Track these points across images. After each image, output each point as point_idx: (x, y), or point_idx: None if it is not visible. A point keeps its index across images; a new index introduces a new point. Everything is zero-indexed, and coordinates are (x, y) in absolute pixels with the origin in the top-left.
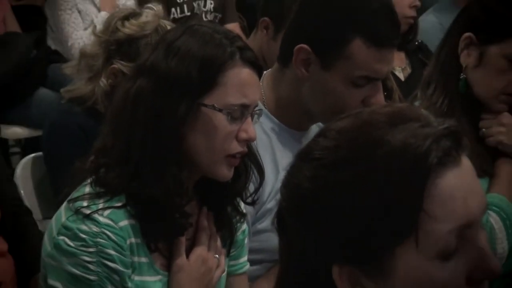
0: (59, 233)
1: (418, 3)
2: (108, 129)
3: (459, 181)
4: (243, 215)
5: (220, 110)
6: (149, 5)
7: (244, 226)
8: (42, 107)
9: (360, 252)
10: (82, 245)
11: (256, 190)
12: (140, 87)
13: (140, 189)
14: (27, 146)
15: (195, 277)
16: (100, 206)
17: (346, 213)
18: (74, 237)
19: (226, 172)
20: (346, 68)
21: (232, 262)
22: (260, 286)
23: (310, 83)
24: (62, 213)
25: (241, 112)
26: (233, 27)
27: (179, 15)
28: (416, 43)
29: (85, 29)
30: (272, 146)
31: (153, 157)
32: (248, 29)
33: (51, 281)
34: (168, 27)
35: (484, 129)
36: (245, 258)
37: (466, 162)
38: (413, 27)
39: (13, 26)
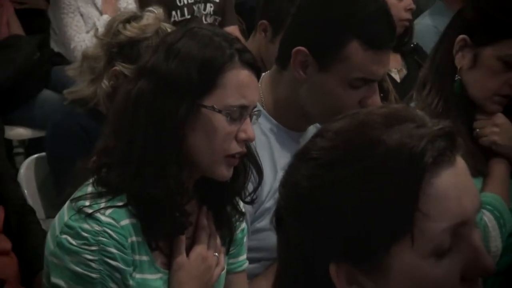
0: (62, 232)
1: (413, 6)
2: (110, 130)
3: (453, 181)
4: (242, 214)
5: (219, 111)
6: (150, 8)
7: (243, 225)
8: (45, 109)
9: (357, 251)
10: (84, 244)
11: (255, 189)
12: (141, 89)
13: (141, 188)
14: (30, 146)
15: (195, 275)
16: (102, 205)
17: (343, 212)
18: (77, 235)
19: (225, 172)
20: (343, 70)
21: (231, 260)
22: (258, 284)
23: (307, 85)
24: (65, 212)
25: (240, 113)
26: (233, 30)
27: (180, 18)
28: (412, 45)
29: (87, 32)
30: (270, 146)
31: (154, 157)
32: (247, 31)
33: (54, 279)
34: (169, 30)
35: (478, 130)
36: (244, 256)
37: (460, 162)
38: (409, 30)
39: (17, 29)
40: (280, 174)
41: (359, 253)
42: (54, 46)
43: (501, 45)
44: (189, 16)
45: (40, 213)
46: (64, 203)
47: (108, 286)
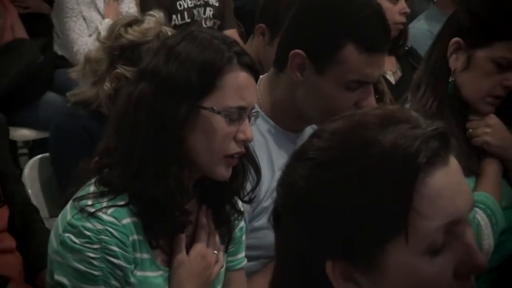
0: (65, 231)
1: (407, 10)
2: (112, 131)
3: (447, 180)
4: (241, 213)
5: (218, 113)
6: (151, 12)
7: (242, 224)
8: (49, 110)
9: (353, 249)
10: (86, 242)
11: (253, 189)
12: (142, 91)
13: (142, 188)
14: (34, 147)
15: (195, 272)
16: (104, 204)
17: (339, 211)
18: (79, 234)
19: (224, 172)
20: (339, 73)
21: (230, 258)
22: (257, 281)
23: (304, 87)
24: (68, 212)
25: (239, 114)
26: (232, 33)
27: (180, 22)
28: (406, 48)
29: (90, 35)
30: (268, 147)
31: (154, 158)
32: (245, 35)
33: (57, 277)
34: (169, 33)
35: (471, 130)
36: (242, 254)
37: (453, 162)
38: (403, 33)
39: (21, 32)
40: (278, 174)
41: (355, 251)
42: (58, 49)
43: (493, 47)
44: (189, 20)
45: (43, 212)
46: (67, 202)
47: (110, 283)
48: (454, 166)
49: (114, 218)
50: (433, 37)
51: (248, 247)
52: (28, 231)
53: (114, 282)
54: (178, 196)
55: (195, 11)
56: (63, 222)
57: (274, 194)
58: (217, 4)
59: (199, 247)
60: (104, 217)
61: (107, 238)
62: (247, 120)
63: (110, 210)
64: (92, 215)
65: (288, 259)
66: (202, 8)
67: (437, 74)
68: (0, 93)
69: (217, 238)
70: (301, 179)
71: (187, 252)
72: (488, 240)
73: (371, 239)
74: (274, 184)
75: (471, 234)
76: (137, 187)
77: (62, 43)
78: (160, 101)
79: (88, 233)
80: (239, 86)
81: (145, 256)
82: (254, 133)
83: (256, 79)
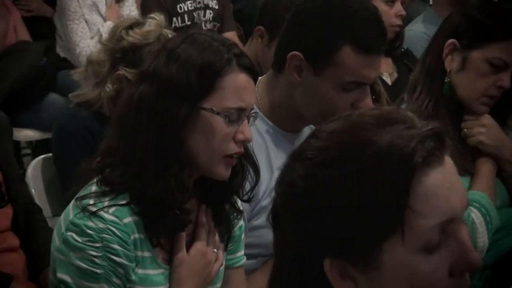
0: (67, 229)
1: (403, 12)
2: (113, 132)
3: (442, 180)
4: (240, 212)
5: (218, 113)
6: (152, 15)
7: (241, 222)
8: (51, 111)
9: (350, 247)
10: (89, 241)
11: (252, 188)
12: (143, 92)
13: (143, 187)
14: (37, 147)
15: (195, 270)
16: (106, 204)
17: (337, 210)
18: (82, 233)
19: (224, 172)
20: (336, 74)
21: (229, 256)
22: (256, 279)
23: (302, 88)
24: (70, 211)
25: (238, 115)
26: (231, 35)
27: (180, 25)
28: (402, 50)
29: (92, 38)
30: (267, 147)
31: (155, 158)
32: (244, 37)
33: (60, 275)
34: (170, 36)
35: (465, 130)
36: (242, 252)
37: (448, 162)
38: (399, 35)
39: (24, 35)
40: (276, 174)
41: (352, 249)
42: (60, 52)
43: (488, 48)
44: (189, 23)
45: (46, 212)
46: (70, 201)
47: (112, 281)
48: (449, 165)
49: (116, 217)
50: (429, 39)
51: (247, 246)
52: (31, 230)
53: (115, 280)
54: (178, 196)
55: (195, 14)
56: (66, 221)
57: (273, 194)
58: (216, 7)
59: (199, 246)
60: (106, 216)
61: (109, 236)
62: (246, 121)
63: (111, 209)
64: (94, 214)
65: (287, 257)
66: (202, 11)
67: (433, 75)
68: (3, 95)
69: (217, 237)
70: (299, 178)
71: (188, 250)
72: (483, 238)
73: (368, 238)
74: (273, 183)
75: (466, 233)
76: (138, 186)
77: (64, 45)
78: (161, 102)
79: (90, 231)
80: (238, 88)
81: (146, 254)
82: (253, 134)
83: (255, 81)
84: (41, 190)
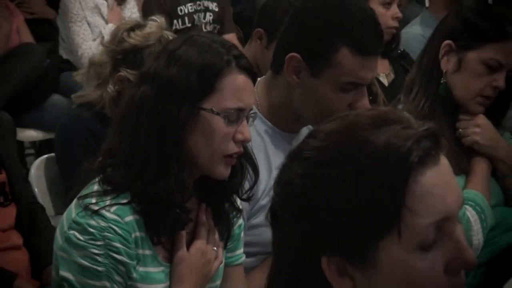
0: (69, 228)
1: (400, 15)
2: (115, 132)
3: (437, 179)
4: (239, 211)
5: (218, 114)
6: (153, 17)
7: (240, 221)
8: (54, 112)
9: (348, 245)
10: (91, 239)
11: (251, 187)
12: (144, 93)
13: (144, 187)
14: (41, 147)
15: (195, 268)
16: (107, 202)
17: (334, 209)
18: (84, 231)
19: (223, 171)
20: (334, 75)
21: (229, 254)
22: (255, 276)
23: (300, 89)
24: (73, 210)
25: (237, 115)
26: (231, 37)
27: (181, 27)
28: (399, 51)
29: (94, 40)
30: (265, 147)
31: (156, 158)
32: (244, 39)
33: (62, 272)
34: (170, 38)
35: (461, 130)
36: (241, 251)
37: (444, 161)
38: (396, 37)
39: (27, 37)
40: (275, 173)
41: (350, 248)
42: (63, 53)
43: (483, 49)
44: (189, 25)
45: (49, 210)
46: (72, 200)
47: (113, 279)
48: (445, 165)
49: (117, 216)
50: (425, 41)
51: (246, 244)
52: (35, 229)
53: (117, 278)
54: (178, 195)
55: (195, 16)
56: (68, 220)
57: (271, 193)
58: (216, 10)
59: (199, 244)
60: (108, 214)
61: (111, 235)
62: (245, 121)
63: (113, 208)
64: (96, 213)
65: (285, 255)
66: (202, 13)
67: (429, 76)
68: (7, 96)
69: (217, 235)
70: (297, 178)
71: (188, 248)
72: (478, 236)
73: (365, 236)
74: (271, 183)
75: (461, 231)
76: (139, 186)
77: (67, 47)
78: (162, 103)
79: (92, 230)
80: (238, 88)
81: (147, 252)
82: (252, 134)
83: (254, 82)
84: (44, 190)
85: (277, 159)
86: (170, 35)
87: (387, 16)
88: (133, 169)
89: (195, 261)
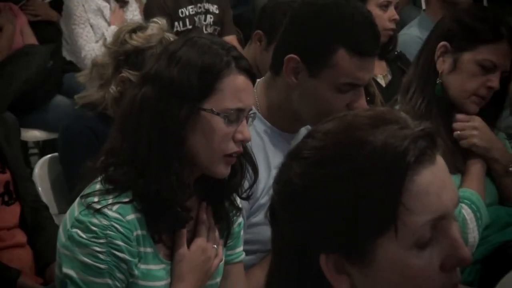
0: (72, 226)
1: (397, 17)
2: (117, 132)
3: (434, 178)
4: (239, 209)
5: (218, 114)
6: (154, 19)
7: (240, 219)
8: (57, 112)
9: (345, 243)
10: (93, 237)
11: (251, 186)
12: (146, 94)
13: (145, 186)
14: (44, 147)
15: (195, 265)
16: (110, 201)
17: (332, 207)
18: (86, 229)
19: (223, 170)
20: (332, 76)
21: (229, 252)
22: (254, 274)
23: (299, 90)
24: (75, 208)
25: (237, 116)
26: (231, 39)
27: (182, 28)
28: (396, 53)
29: (97, 41)
30: (264, 146)
31: (157, 157)
32: (244, 41)
33: (65, 270)
34: (171, 39)
35: (458, 132)
36: (241, 248)
37: (440, 160)
38: (393, 39)
39: (30, 39)
40: (274, 172)
41: (347, 246)
42: (66, 55)
43: (478, 50)
44: (190, 27)
45: (53, 209)
46: (75, 199)
47: (115, 276)
48: (441, 164)
49: (119, 214)
50: (421, 42)
51: (246, 242)
52: (38, 227)
53: (119, 275)
54: (179, 194)
55: (196, 18)
56: (71, 218)
57: (271, 192)
58: (217, 12)
59: (200, 242)
60: (110, 213)
61: (113, 233)
62: (245, 121)
63: (115, 207)
64: (98, 211)
65: (284, 253)
66: (203, 16)
67: (426, 77)
68: (12, 97)
69: (217, 233)
70: (296, 177)
71: (188, 246)
72: (473, 234)
73: (363, 234)
74: (271, 182)
75: (457, 229)
76: (141, 185)
77: (70, 49)
78: (162, 103)
79: (94, 228)
80: (237, 89)
81: (148, 250)
82: (252, 134)
83: (253, 83)
84: (48, 189)
85: (276, 158)
86: (171, 36)
87: (384, 18)
88: (135, 168)
89: (196, 259)
